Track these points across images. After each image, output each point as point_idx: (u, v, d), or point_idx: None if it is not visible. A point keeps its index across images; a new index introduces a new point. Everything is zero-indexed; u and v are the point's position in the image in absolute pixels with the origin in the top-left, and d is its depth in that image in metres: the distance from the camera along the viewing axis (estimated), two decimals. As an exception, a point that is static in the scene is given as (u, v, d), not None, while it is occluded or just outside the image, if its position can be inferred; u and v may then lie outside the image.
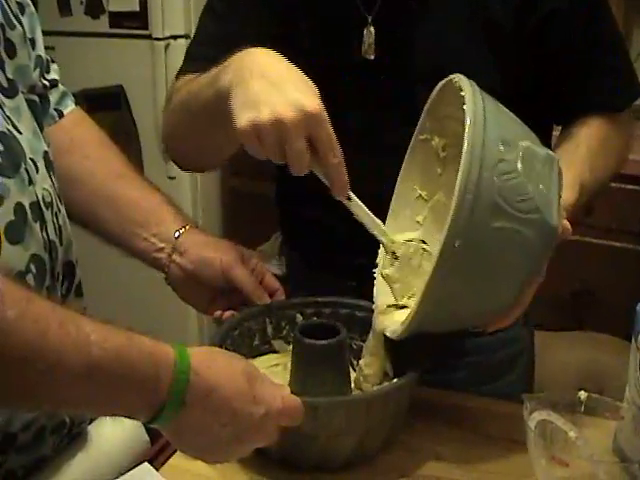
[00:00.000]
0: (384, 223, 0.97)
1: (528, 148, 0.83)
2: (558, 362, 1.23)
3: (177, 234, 1.01)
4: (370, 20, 1.05)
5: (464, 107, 0.81)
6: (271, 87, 0.81)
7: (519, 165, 0.81)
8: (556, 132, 1.14)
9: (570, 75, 1.07)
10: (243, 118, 0.81)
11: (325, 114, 0.81)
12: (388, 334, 0.91)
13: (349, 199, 0.89)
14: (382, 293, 0.97)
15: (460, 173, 0.78)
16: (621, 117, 1.11)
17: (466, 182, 0.77)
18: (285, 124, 0.79)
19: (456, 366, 1.17)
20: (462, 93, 0.83)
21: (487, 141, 0.79)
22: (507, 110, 0.87)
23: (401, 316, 0.89)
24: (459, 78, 0.87)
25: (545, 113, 1.08)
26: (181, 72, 1.12)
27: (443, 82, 0.91)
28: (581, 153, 1.03)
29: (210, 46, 1.08)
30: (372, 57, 1.05)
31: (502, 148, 0.80)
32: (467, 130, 0.79)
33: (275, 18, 1.09)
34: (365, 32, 1.05)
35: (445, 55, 1.02)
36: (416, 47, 1.04)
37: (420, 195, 1.01)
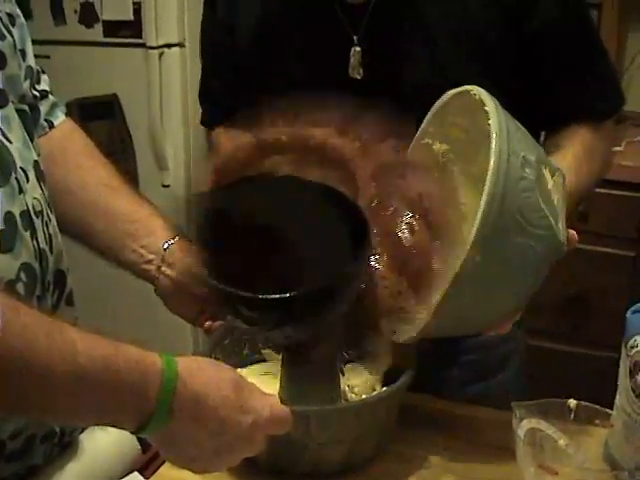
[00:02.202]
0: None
1: (542, 165, 0.85)
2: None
3: (166, 245, 1.01)
4: (356, 40, 1.05)
5: (489, 122, 0.82)
6: None
7: (536, 183, 0.83)
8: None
9: (557, 84, 1.07)
10: None
11: None
12: (396, 339, 0.91)
13: None
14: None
15: (486, 190, 0.79)
16: (606, 125, 1.12)
17: (492, 200, 0.79)
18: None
19: (451, 364, 1.17)
20: (486, 108, 0.84)
21: (511, 160, 0.81)
22: (520, 125, 0.88)
23: (406, 323, 0.89)
24: (479, 91, 0.87)
25: (532, 121, 1.09)
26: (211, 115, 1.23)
27: (456, 91, 0.92)
28: (567, 161, 1.04)
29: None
30: (360, 76, 1.05)
31: (523, 167, 0.82)
32: (494, 146, 0.80)
33: (264, 47, 1.10)
34: (352, 52, 1.05)
35: (433, 70, 1.03)
36: (404, 64, 1.04)
37: None
